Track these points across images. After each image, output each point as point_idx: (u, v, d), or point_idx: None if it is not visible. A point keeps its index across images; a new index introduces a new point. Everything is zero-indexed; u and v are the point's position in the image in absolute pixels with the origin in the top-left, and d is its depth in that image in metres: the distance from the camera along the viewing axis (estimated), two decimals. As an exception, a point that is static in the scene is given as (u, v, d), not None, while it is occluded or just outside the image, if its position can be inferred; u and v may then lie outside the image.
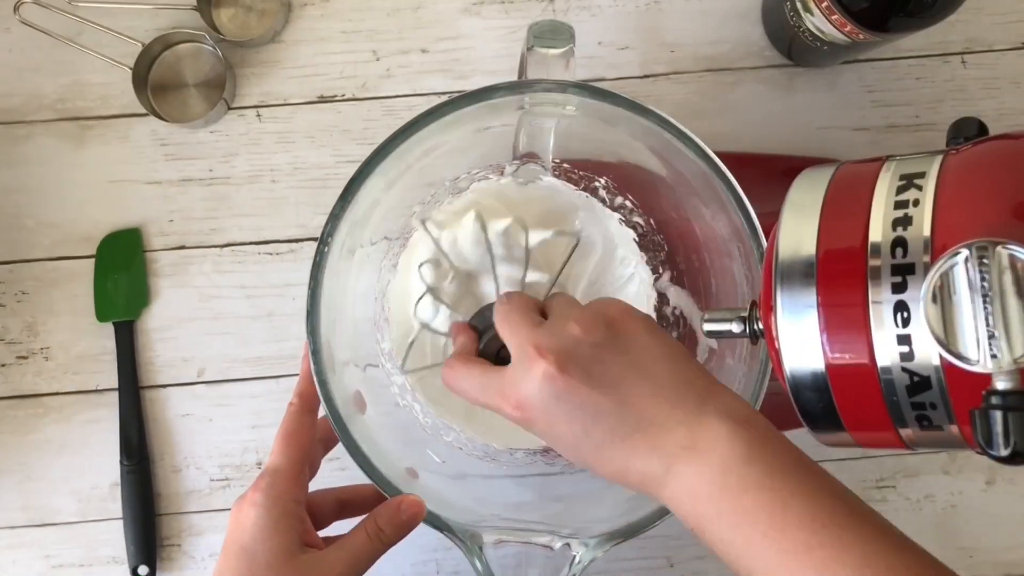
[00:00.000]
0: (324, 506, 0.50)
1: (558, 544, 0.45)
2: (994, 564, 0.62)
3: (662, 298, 0.58)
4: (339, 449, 0.46)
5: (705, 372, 0.38)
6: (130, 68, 0.61)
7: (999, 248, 0.25)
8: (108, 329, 0.62)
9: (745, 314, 0.37)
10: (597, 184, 0.57)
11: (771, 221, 0.35)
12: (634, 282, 0.58)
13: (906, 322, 0.28)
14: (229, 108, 0.63)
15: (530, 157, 0.54)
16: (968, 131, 0.33)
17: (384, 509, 0.44)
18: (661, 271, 0.58)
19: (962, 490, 0.62)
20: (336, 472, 0.55)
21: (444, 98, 0.53)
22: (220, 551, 0.44)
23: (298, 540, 0.43)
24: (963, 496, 0.62)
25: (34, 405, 0.62)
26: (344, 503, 0.51)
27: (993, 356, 0.25)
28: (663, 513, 0.45)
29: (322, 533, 0.48)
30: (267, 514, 0.43)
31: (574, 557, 0.44)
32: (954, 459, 0.62)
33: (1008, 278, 0.25)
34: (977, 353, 0.25)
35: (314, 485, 0.49)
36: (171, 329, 0.62)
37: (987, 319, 0.25)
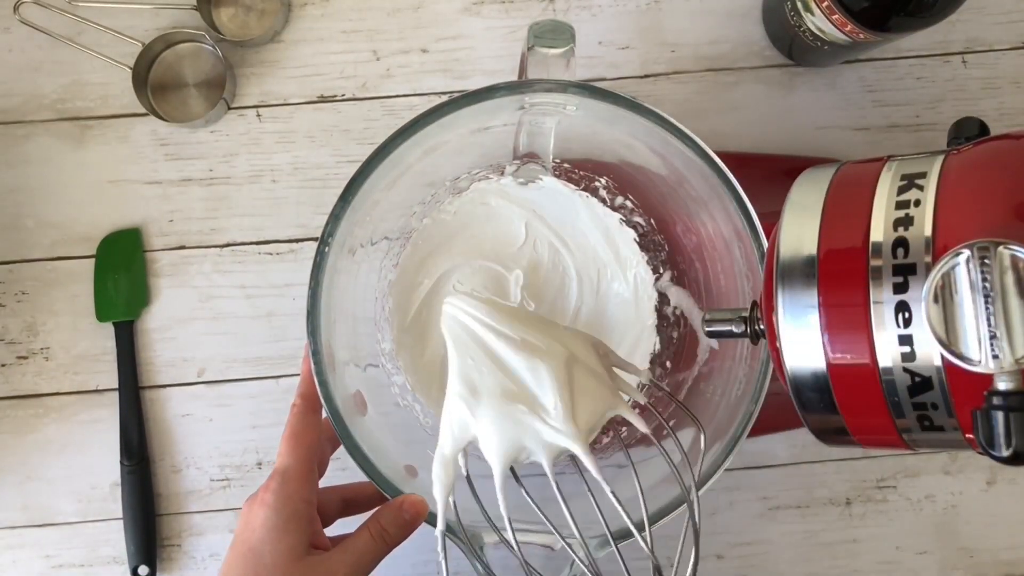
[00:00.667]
0: (329, 504, 0.50)
1: (559, 545, 0.45)
2: (995, 564, 0.62)
3: (663, 298, 0.58)
4: (340, 449, 0.46)
5: None
6: (130, 68, 0.61)
7: (1000, 248, 0.25)
8: (108, 329, 0.62)
9: (746, 314, 0.37)
10: (597, 184, 0.57)
11: (771, 221, 0.35)
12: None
13: (907, 322, 0.28)
14: (229, 108, 0.63)
15: (530, 157, 0.54)
16: (969, 131, 0.33)
17: (387, 509, 0.44)
18: (662, 271, 0.58)
19: (963, 490, 0.62)
20: (337, 472, 0.55)
21: (444, 98, 0.53)
22: (224, 550, 0.44)
23: (306, 542, 0.43)
24: (964, 496, 0.62)
25: (34, 405, 0.62)
26: (348, 501, 0.51)
27: (994, 356, 0.25)
28: (663, 514, 0.45)
29: (325, 531, 0.48)
30: (276, 515, 0.43)
31: (575, 558, 0.44)
32: (955, 459, 0.62)
33: (1010, 278, 0.25)
34: (978, 353, 0.25)
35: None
36: (171, 329, 0.62)
37: (988, 319, 0.25)
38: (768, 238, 0.43)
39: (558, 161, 0.55)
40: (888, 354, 0.28)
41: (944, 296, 0.26)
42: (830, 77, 0.64)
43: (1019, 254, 0.25)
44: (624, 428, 0.55)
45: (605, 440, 0.56)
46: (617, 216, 0.57)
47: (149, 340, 0.62)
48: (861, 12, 0.51)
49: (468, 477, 0.43)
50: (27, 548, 0.61)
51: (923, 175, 0.29)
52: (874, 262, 0.29)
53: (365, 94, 0.63)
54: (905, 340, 0.28)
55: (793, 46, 0.62)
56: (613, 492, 0.41)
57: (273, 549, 0.42)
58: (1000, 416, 0.25)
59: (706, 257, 0.53)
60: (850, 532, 0.62)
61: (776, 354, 0.32)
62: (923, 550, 0.62)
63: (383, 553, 0.44)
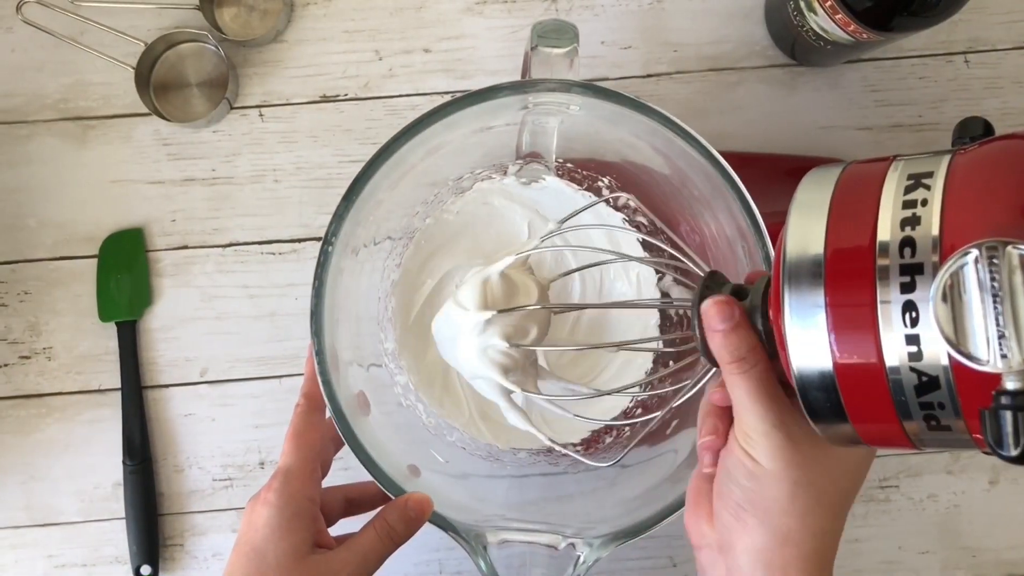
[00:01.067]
0: (333, 504, 0.50)
1: (562, 544, 0.45)
2: (997, 564, 0.62)
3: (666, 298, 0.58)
4: (343, 448, 0.46)
5: None
6: (132, 68, 0.61)
7: (1009, 248, 0.25)
8: (111, 329, 0.62)
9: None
10: (600, 184, 0.57)
11: (775, 221, 0.35)
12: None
13: (915, 322, 0.28)
14: (231, 108, 0.63)
15: (533, 157, 0.54)
16: (974, 131, 0.32)
17: (392, 507, 0.45)
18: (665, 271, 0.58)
19: (965, 490, 0.62)
20: (340, 472, 0.55)
21: (447, 98, 0.53)
22: (227, 550, 0.44)
23: (309, 540, 0.43)
24: (966, 496, 0.62)
25: (37, 405, 0.62)
26: (352, 501, 0.51)
27: (1003, 356, 0.25)
28: (666, 513, 0.45)
29: (330, 531, 0.48)
30: (279, 514, 0.43)
31: (578, 557, 0.44)
32: (957, 459, 0.62)
33: (1018, 278, 0.25)
34: (987, 353, 0.25)
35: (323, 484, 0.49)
36: (173, 329, 0.62)
37: (997, 319, 0.25)
38: (772, 238, 0.43)
39: (561, 161, 0.55)
40: (895, 354, 0.28)
41: (952, 296, 0.26)
42: (832, 77, 0.64)
43: (1027, 254, 0.25)
44: (627, 428, 0.55)
45: (608, 440, 0.56)
46: (620, 216, 0.57)
47: (151, 340, 0.62)
48: (864, 12, 0.51)
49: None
50: (30, 548, 0.61)
51: (930, 174, 0.29)
52: (881, 262, 0.29)
53: (367, 94, 0.63)
54: (912, 340, 0.28)
55: (796, 46, 0.62)
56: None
57: (276, 548, 0.42)
58: (1008, 416, 0.25)
59: (710, 257, 0.53)
60: (852, 532, 0.62)
61: (783, 354, 0.32)
62: (925, 550, 0.62)
63: (389, 551, 0.44)
